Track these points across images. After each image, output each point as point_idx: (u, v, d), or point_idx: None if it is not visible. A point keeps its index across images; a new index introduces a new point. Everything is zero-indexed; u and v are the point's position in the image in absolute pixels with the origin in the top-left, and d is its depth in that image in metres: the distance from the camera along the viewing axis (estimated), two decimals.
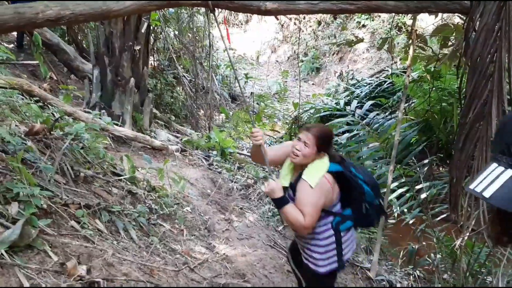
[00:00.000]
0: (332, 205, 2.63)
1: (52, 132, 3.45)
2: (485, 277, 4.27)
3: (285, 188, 2.61)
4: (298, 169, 2.62)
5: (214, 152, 6.82)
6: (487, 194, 0.91)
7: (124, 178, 3.89)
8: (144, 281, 2.64)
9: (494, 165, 0.93)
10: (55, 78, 7.68)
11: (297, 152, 2.53)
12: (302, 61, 16.98)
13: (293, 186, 2.61)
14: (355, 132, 5.35)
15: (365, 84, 9.86)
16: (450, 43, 3.90)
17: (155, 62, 9.19)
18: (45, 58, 6.03)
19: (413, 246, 5.01)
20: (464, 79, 2.13)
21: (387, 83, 9.20)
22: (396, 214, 5.06)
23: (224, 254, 3.97)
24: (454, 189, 1.98)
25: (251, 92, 12.27)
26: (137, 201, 3.79)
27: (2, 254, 2.07)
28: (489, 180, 0.92)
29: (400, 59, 12.24)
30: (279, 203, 2.50)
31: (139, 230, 3.37)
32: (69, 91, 4.76)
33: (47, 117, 3.57)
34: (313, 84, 17.34)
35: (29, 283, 2.06)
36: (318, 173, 2.52)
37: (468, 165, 1.82)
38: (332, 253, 2.67)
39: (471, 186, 0.95)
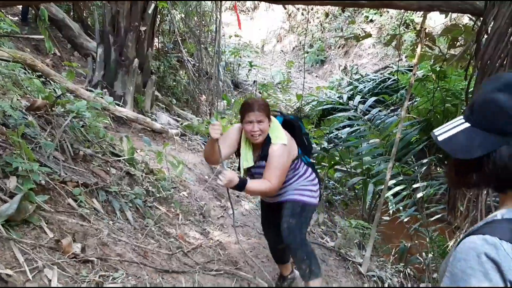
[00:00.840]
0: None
1: (53, 109, 3.43)
2: None
3: (250, 168, 2.85)
4: (259, 145, 2.79)
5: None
6: (440, 137, 1.03)
7: (122, 159, 3.88)
8: (137, 262, 2.65)
9: (460, 117, 1.05)
10: (58, 54, 7.63)
11: (258, 133, 2.67)
12: (307, 52, 16.88)
13: (262, 158, 2.79)
14: (356, 127, 5.34)
15: (369, 80, 9.82)
16: (458, 44, 3.87)
17: (159, 44, 9.12)
18: (50, 33, 5.98)
19: (406, 244, 5.03)
20: (472, 81, 2.12)
21: (391, 80, 9.16)
22: (391, 212, 5.08)
23: (218, 240, 3.98)
24: (453, 192, 1.98)
25: (254, 81, 12.20)
26: (134, 183, 3.78)
27: None
28: (448, 128, 1.04)
29: (406, 57, 12.18)
30: (240, 187, 2.65)
31: (135, 211, 3.38)
32: (73, 68, 4.72)
33: (49, 93, 3.55)
34: (316, 76, 17.27)
35: (24, 258, 2.07)
36: (279, 132, 2.77)
37: None
38: (315, 186, 3.03)
39: (434, 130, 1.07)
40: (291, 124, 2.95)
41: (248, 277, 3.44)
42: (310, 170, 3.04)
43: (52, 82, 4.69)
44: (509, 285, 0.85)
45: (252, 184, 2.69)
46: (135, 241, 2.93)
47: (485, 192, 1.73)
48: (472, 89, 1.99)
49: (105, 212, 2.99)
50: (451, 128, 1.03)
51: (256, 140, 2.71)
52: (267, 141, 2.74)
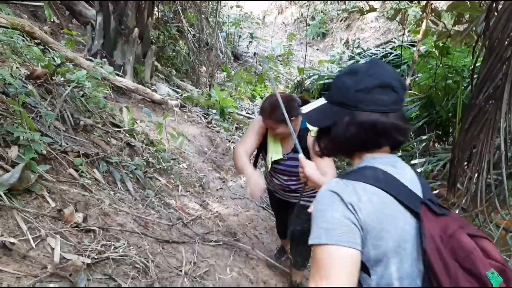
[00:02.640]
0: None
1: (53, 78, 3.40)
2: None
3: (280, 160, 2.71)
4: (286, 138, 2.69)
5: (214, 111, 6.79)
6: (304, 111, 1.32)
7: (123, 130, 3.88)
8: (138, 232, 2.68)
9: (323, 98, 1.34)
10: (57, 21, 7.49)
11: (278, 135, 2.63)
12: (309, 25, 16.63)
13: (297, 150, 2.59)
14: None
15: (371, 54, 9.71)
16: (463, 20, 3.82)
17: (159, 13, 8.96)
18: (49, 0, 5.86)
19: None
20: (479, 60, 2.10)
21: (393, 55, 9.06)
22: None
23: (216, 212, 4.03)
24: (454, 169, 1.99)
25: (255, 53, 12.08)
26: (134, 154, 3.79)
27: (1, 196, 2.09)
28: (313, 105, 1.32)
29: (408, 31, 12.03)
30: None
31: (135, 182, 3.40)
32: (72, 37, 4.65)
33: (49, 61, 3.50)
34: (317, 49, 17.09)
35: (27, 226, 2.09)
36: None
37: (472, 147, 1.83)
38: None
39: (302, 107, 1.35)
40: None
41: (247, 248, 3.50)
42: None
43: (50, 50, 4.62)
44: (349, 207, 1.09)
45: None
46: (136, 211, 2.96)
47: (486, 170, 1.75)
48: (478, 67, 1.98)
49: (106, 183, 3.01)
50: (314, 104, 1.32)
51: (277, 137, 2.67)
52: (303, 132, 2.62)
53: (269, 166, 2.77)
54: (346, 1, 14.68)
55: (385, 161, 1.22)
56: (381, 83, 1.17)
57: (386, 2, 14.77)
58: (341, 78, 1.24)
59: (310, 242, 1.12)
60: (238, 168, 2.57)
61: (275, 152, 2.71)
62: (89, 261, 2.12)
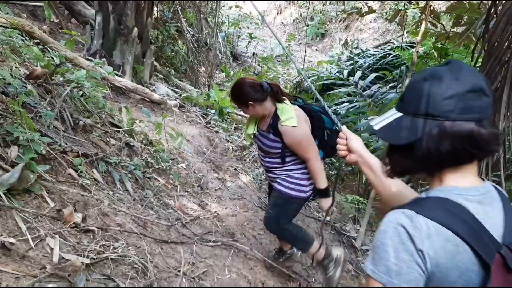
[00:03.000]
0: None
1: (53, 78, 3.40)
2: None
3: (251, 135, 3.03)
4: (263, 118, 2.94)
5: (213, 111, 6.79)
6: (376, 127, 1.16)
7: (122, 130, 3.88)
8: (137, 232, 2.69)
9: (394, 108, 1.18)
10: (56, 20, 7.48)
11: (250, 115, 2.99)
12: (308, 25, 16.65)
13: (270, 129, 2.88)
14: (355, 103, 5.32)
15: (370, 55, 9.72)
16: (462, 22, 3.83)
17: (158, 13, 8.96)
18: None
19: None
20: (478, 62, 2.11)
21: (391, 55, 9.08)
22: None
23: (215, 212, 4.03)
24: None
25: (253, 53, 12.09)
26: (133, 154, 3.80)
27: (0, 196, 2.09)
28: (384, 118, 1.16)
29: (407, 32, 12.05)
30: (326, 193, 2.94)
31: (134, 182, 3.41)
32: (72, 37, 4.65)
33: (48, 61, 3.50)
34: (316, 49, 17.10)
35: (26, 226, 2.10)
36: (288, 114, 2.77)
37: None
38: (309, 181, 3.00)
39: (371, 122, 1.19)
40: (308, 113, 2.94)
41: (245, 248, 3.51)
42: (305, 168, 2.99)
43: (50, 50, 4.62)
44: (419, 254, 0.97)
45: (320, 181, 2.89)
46: (135, 211, 2.97)
47: (484, 172, 1.76)
48: (478, 69, 2.00)
49: (105, 183, 3.01)
50: (385, 118, 1.15)
51: (255, 117, 2.99)
52: (275, 117, 2.82)
53: (247, 139, 3.12)
54: (345, 2, 14.69)
55: (471, 195, 1.05)
56: (472, 87, 1.02)
57: (385, 3, 14.80)
58: (421, 85, 1.08)
59: (372, 275, 1.02)
60: None
61: (248, 129, 3.05)
62: (88, 261, 2.13)
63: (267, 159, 3.03)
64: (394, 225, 1.01)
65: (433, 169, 1.12)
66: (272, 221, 3.09)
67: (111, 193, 2.94)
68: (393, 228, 1.00)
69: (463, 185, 1.06)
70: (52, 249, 2.08)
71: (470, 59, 5.91)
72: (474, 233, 0.98)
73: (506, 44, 1.69)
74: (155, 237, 2.84)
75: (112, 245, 2.39)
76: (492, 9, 1.80)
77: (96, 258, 2.21)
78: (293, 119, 2.73)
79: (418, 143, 1.06)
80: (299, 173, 2.98)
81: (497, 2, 1.77)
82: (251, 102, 2.75)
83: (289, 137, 2.77)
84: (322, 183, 2.88)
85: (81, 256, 2.14)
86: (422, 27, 3.46)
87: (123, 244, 2.46)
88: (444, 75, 1.05)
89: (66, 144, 2.85)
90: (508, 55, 1.67)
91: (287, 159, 2.94)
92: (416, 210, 1.01)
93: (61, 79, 3.55)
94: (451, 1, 3.95)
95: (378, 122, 1.17)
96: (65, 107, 3.18)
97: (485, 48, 1.80)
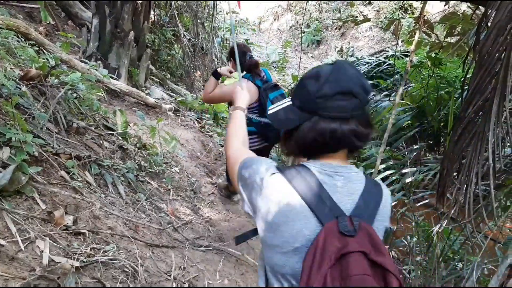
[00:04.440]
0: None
1: (47, 79, 3.39)
2: (457, 263, 4.41)
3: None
4: None
5: (207, 115, 6.80)
6: (270, 111, 1.33)
7: (116, 133, 3.87)
8: (128, 236, 2.68)
9: (289, 98, 1.34)
10: (52, 22, 7.47)
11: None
12: (304, 32, 16.73)
13: None
14: None
15: (364, 63, 9.79)
16: (456, 32, 3.88)
17: (155, 16, 8.97)
18: (45, 1, 5.85)
19: (391, 227, 5.13)
20: (469, 73, 2.13)
21: (386, 64, 9.14)
22: None
23: (208, 217, 4.03)
24: (443, 180, 2.02)
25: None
26: (127, 157, 3.79)
27: None
28: (278, 104, 1.33)
29: (402, 41, 12.14)
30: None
31: (127, 186, 3.40)
32: (68, 39, 4.65)
33: (43, 63, 3.50)
34: (312, 56, 17.17)
35: (16, 228, 2.09)
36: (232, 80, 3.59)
37: (461, 158, 1.86)
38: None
39: (270, 106, 1.36)
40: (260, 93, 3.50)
41: (236, 253, 3.50)
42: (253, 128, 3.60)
43: (45, 52, 4.61)
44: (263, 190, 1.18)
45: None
46: (127, 215, 2.96)
47: (474, 181, 1.78)
48: (468, 79, 2.02)
49: (97, 186, 3.00)
50: (281, 104, 1.32)
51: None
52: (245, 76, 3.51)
53: None
54: (341, 10, 14.80)
55: (327, 169, 1.21)
56: (341, 89, 1.16)
57: (381, 11, 14.92)
58: (305, 81, 1.24)
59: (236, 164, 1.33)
60: None
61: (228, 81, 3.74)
62: (78, 264, 2.12)
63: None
64: (264, 166, 1.23)
65: (305, 154, 1.30)
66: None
67: (103, 196, 2.93)
68: (261, 167, 1.23)
69: (329, 162, 1.24)
70: (42, 251, 2.07)
71: (462, 69, 5.98)
72: (314, 196, 1.14)
73: (496, 55, 1.71)
74: (146, 241, 2.84)
75: (103, 248, 2.38)
76: (483, 20, 1.82)
77: (86, 261, 2.20)
78: (233, 80, 3.41)
79: (294, 131, 1.25)
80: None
81: (488, 13, 1.79)
82: (232, 58, 3.56)
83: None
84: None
85: (71, 259, 2.13)
86: (416, 37, 3.50)
87: (113, 247, 2.45)
88: (322, 75, 1.20)
89: (59, 146, 2.84)
90: (498, 66, 1.69)
91: None
92: (280, 169, 1.22)
93: (56, 81, 3.55)
94: (444, 11, 4.01)
95: (274, 107, 1.34)
96: (59, 109, 3.17)
97: (476, 59, 1.83)
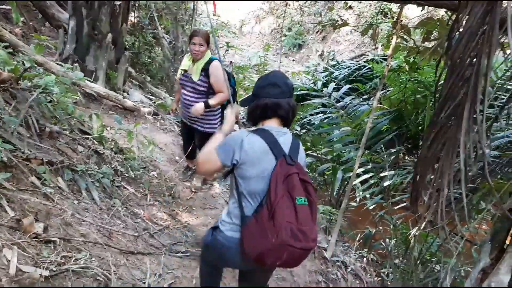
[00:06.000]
0: None
1: (19, 82, 3.30)
2: (434, 266, 4.45)
3: (185, 70, 4.05)
4: (197, 62, 3.96)
5: None
6: (241, 99, 2.28)
7: (91, 137, 3.80)
8: (101, 243, 2.62)
9: None
10: (29, 23, 7.32)
11: (198, 52, 3.88)
12: (285, 35, 16.79)
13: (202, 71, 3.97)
14: (328, 114, 5.36)
15: (344, 67, 9.86)
16: (432, 37, 3.92)
17: (135, 18, 8.88)
18: (18, 3, 5.73)
19: (370, 230, 5.16)
20: (442, 78, 2.15)
21: (366, 68, 9.23)
22: (358, 199, 5.17)
23: (185, 222, 3.98)
24: (416, 185, 2.02)
25: (231, 61, 12.09)
26: (102, 162, 3.72)
27: None
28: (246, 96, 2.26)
29: (382, 45, 12.27)
30: (207, 105, 3.98)
31: (102, 191, 3.33)
32: (41, 41, 4.55)
33: (16, 65, 3.41)
34: (293, 60, 17.23)
35: None
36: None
37: (434, 163, 1.87)
38: (219, 118, 4.29)
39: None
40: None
41: None
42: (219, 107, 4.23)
43: (20, 54, 4.50)
44: (240, 150, 1.98)
45: (213, 100, 3.97)
46: (101, 221, 2.89)
47: (446, 187, 1.79)
48: (441, 83, 2.04)
49: (70, 191, 2.93)
50: (245, 97, 2.25)
51: (196, 56, 3.90)
52: (209, 61, 3.94)
53: (178, 74, 4.15)
54: (322, 14, 14.88)
55: (272, 128, 2.08)
56: (269, 82, 2.11)
57: (361, 15, 15.07)
58: (259, 80, 2.20)
59: (216, 151, 2.04)
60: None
61: (183, 65, 4.07)
62: (47, 273, 2.06)
63: (192, 96, 4.08)
64: (239, 135, 2.02)
65: (255, 121, 2.17)
66: None
67: (76, 202, 2.86)
68: (237, 136, 2.02)
69: (271, 126, 2.10)
70: (9, 260, 2.00)
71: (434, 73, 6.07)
72: (271, 142, 2.01)
73: (468, 60, 1.72)
74: (120, 248, 2.78)
75: (74, 256, 2.32)
76: (456, 26, 1.84)
77: (56, 270, 2.14)
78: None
79: (251, 107, 2.16)
80: (217, 115, 4.28)
81: (460, 18, 1.81)
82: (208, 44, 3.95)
83: (213, 68, 3.94)
84: (211, 101, 4.00)
85: (40, 268, 2.07)
86: (393, 42, 3.52)
87: (86, 255, 2.39)
88: (265, 76, 2.19)
89: (30, 151, 2.76)
90: (470, 71, 1.71)
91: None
92: (250, 132, 2.04)
93: (29, 84, 3.46)
94: (421, 16, 4.05)
95: (243, 98, 2.29)
96: (31, 113, 3.09)
97: (448, 64, 1.84)
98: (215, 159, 2.00)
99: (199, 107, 3.91)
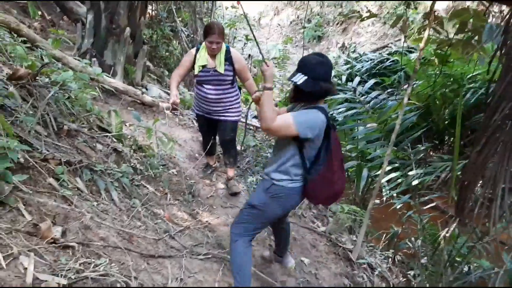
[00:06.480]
0: None
1: (37, 79, 3.21)
2: (463, 268, 4.25)
3: (204, 65, 3.90)
4: (214, 56, 3.90)
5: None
6: (298, 82, 2.44)
7: (110, 135, 3.70)
8: (121, 247, 2.51)
9: (300, 73, 2.48)
10: (48, 18, 7.28)
11: (215, 49, 3.79)
12: (305, 27, 16.49)
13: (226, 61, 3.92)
14: (354, 110, 5.16)
15: (367, 60, 9.58)
16: (466, 29, 3.69)
17: (152, 11, 8.77)
18: None
19: (395, 229, 4.98)
20: (496, 75, 1.96)
21: (389, 60, 8.95)
22: (384, 199, 4.99)
23: (206, 221, 3.87)
24: (464, 193, 1.84)
25: (249, 55, 11.90)
26: (121, 160, 3.62)
27: None
28: (299, 77, 2.46)
29: (405, 37, 11.91)
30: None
31: (121, 191, 3.23)
32: (59, 35, 4.46)
33: (33, 61, 3.31)
34: (313, 52, 16.91)
35: None
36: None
37: (484, 170, 1.68)
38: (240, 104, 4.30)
39: (293, 78, 2.50)
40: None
41: None
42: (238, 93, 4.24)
43: (38, 49, 4.42)
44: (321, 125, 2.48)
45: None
46: (120, 223, 2.79)
47: (499, 198, 1.61)
48: (496, 82, 1.85)
49: (89, 192, 2.83)
50: (300, 78, 2.45)
51: (214, 52, 3.83)
52: (227, 49, 3.92)
53: (196, 70, 3.90)
54: (343, 5, 14.56)
55: (324, 105, 2.55)
56: (329, 67, 2.51)
57: (383, 6, 14.68)
58: (314, 66, 2.45)
59: (297, 129, 2.40)
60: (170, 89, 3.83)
61: (203, 61, 3.88)
62: (65, 281, 1.95)
63: (215, 92, 4.01)
64: (317, 116, 2.45)
65: (315, 100, 2.51)
66: (234, 140, 4.41)
67: (95, 203, 2.75)
68: (316, 117, 2.44)
69: (324, 104, 2.57)
70: (26, 268, 1.90)
71: (469, 65, 5.82)
72: (328, 118, 2.50)
73: None
74: (141, 251, 2.67)
75: (94, 262, 2.21)
76: (511, 20, 1.65)
77: (75, 278, 2.03)
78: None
79: (316, 90, 2.44)
80: (239, 100, 4.25)
81: None
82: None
83: (236, 55, 4.00)
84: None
85: (58, 276, 1.96)
86: (426, 34, 3.32)
87: (105, 261, 2.28)
88: (325, 60, 2.49)
89: (48, 151, 2.66)
90: None
91: (231, 90, 4.11)
92: (318, 111, 2.47)
93: (47, 80, 3.37)
94: (453, 6, 3.82)
95: (297, 79, 2.45)
96: (49, 110, 2.99)
97: (503, 63, 1.65)
98: (293, 130, 2.38)
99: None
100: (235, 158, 4.55)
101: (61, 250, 2.16)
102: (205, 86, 3.99)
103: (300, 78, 2.41)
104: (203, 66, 3.91)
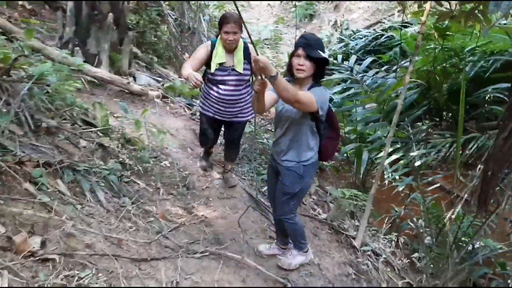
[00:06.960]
0: None
1: (11, 73, 2.96)
2: (469, 248, 4.11)
3: (222, 63, 3.55)
4: (231, 53, 3.56)
5: (198, 101, 6.37)
6: (326, 55, 2.70)
7: (95, 129, 3.47)
8: (109, 254, 2.31)
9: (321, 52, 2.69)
10: (27, 7, 6.94)
11: (232, 41, 3.43)
12: (295, 6, 16.11)
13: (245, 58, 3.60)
14: (352, 91, 4.94)
15: (361, 36, 9.32)
16: None
17: None
18: None
19: (397, 210, 4.83)
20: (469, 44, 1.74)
21: (384, 36, 8.70)
22: (387, 182, 4.82)
23: (202, 216, 3.68)
24: (486, 184, 1.65)
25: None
26: (108, 156, 3.40)
27: None
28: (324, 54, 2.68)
29: (398, 11, 11.66)
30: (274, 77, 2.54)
31: (108, 190, 3.02)
32: (29, 25, 4.18)
33: (6, 54, 3.06)
34: (305, 31, 16.57)
35: None
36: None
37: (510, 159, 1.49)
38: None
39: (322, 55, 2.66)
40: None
41: (236, 257, 3.16)
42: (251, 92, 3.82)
43: (15, 41, 4.16)
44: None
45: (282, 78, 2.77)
46: (108, 227, 2.59)
47: None
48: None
49: (72, 195, 2.62)
50: (322, 54, 2.62)
51: (231, 46, 3.49)
52: (246, 46, 3.59)
53: (213, 68, 3.52)
54: None
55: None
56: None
57: None
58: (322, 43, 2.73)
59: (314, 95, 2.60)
60: (183, 76, 3.37)
61: (220, 57, 3.51)
62: None
63: (232, 92, 3.68)
64: (326, 93, 2.73)
65: (320, 79, 2.75)
66: (241, 136, 4.23)
67: (79, 207, 2.55)
68: (327, 94, 2.75)
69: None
70: None
71: (471, 38, 5.58)
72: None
73: None
74: (131, 256, 2.48)
75: (77, 274, 2.02)
76: None
77: None
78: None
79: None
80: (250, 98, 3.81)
81: None
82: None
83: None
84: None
85: None
86: (427, 6, 3.09)
87: (91, 271, 2.09)
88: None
89: (24, 153, 2.44)
90: None
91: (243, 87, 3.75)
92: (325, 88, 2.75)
93: (22, 74, 3.12)
94: None
95: (326, 56, 2.64)
96: (24, 107, 2.76)
97: None
98: (315, 106, 2.57)
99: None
100: (237, 153, 4.47)
101: (40, 264, 1.96)
102: (221, 86, 3.64)
103: (326, 54, 2.66)
104: (221, 64, 3.55)
